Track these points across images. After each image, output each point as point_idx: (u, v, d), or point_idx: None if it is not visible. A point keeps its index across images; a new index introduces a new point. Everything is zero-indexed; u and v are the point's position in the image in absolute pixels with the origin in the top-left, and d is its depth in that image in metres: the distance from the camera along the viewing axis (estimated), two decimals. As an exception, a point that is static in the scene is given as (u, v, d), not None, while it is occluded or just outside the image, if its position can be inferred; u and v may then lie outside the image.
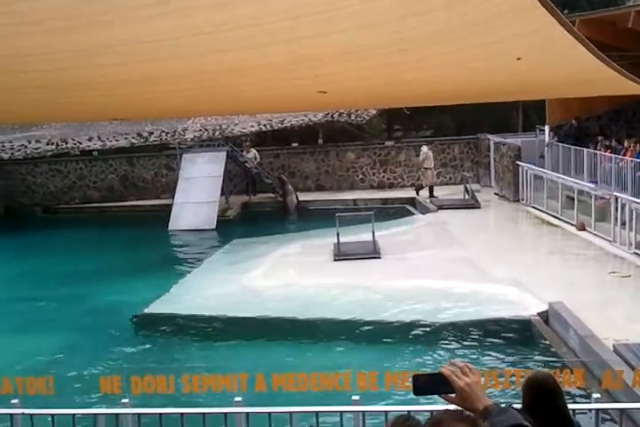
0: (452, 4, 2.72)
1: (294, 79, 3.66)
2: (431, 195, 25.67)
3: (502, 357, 11.88)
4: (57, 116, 7.43)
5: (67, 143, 20.21)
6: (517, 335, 12.73)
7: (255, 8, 2.57)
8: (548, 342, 12.18)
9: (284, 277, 17.12)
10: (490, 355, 12.01)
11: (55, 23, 2.64)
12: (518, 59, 3.56)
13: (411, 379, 2.61)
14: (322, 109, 18.95)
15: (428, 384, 2.57)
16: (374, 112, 24.84)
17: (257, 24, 2.71)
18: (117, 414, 6.40)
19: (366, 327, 13.45)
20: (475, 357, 11.96)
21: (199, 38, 2.88)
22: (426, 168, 26.10)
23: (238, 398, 6.51)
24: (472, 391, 2.51)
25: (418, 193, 26.21)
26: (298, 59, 3.23)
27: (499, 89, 4.79)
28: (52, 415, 6.30)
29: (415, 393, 2.60)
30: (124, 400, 6.68)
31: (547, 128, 24.41)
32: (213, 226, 24.50)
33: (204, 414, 6.22)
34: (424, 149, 26.34)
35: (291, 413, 6.11)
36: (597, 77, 4.20)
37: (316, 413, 6.14)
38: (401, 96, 4.96)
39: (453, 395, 2.53)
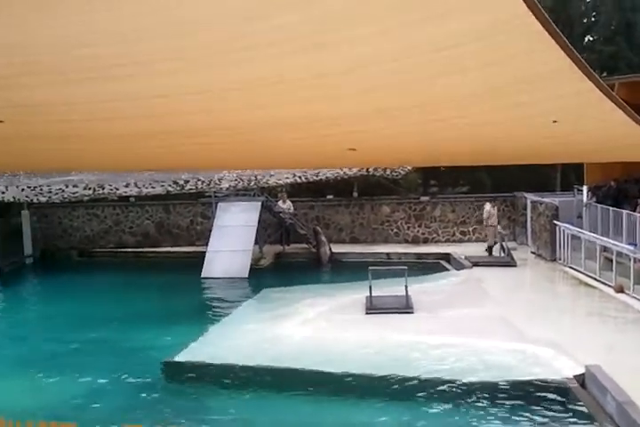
0: (486, 65, 2.66)
1: (323, 136, 3.61)
2: (490, 253, 25.07)
3: (536, 420, 11.52)
4: (84, 166, 7.46)
5: (104, 189, 20.41)
6: (552, 398, 12.33)
7: (281, 66, 2.53)
8: (584, 407, 11.80)
9: (314, 328, 16.91)
10: (523, 418, 11.65)
11: (77, 74, 2.62)
12: (554, 121, 3.48)
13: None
14: (353, 166, 18.98)
15: None
16: (410, 167, 24.81)
17: (282, 81, 2.66)
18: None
19: (395, 384, 13.15)
20: (507, 419, 11.62)
21: (225, 95, 2.84)
22: (489, 226, 25.50)
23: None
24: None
25: (491, 252, 25.40)
26: (325, 117, 3.17)
27: (534, 152, 4.69)
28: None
29: None
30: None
31: (585, 188, 24.16)
32: (246, 275, 24.43)
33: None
34: (487, 206, 25.73)
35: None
36: (636, 143, 4.09)
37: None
38: (433, 156, 4.89)
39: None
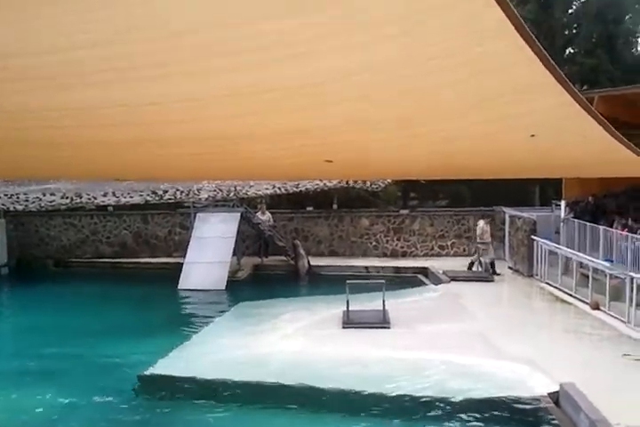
0: (463, 80, 2.63)
1: (300, 147, 3.57)
2: (494, 271, 24.55)
3: (509, 437, 11.51)
4: (60, 173, 7.38)
5: (81, 198, 20.24)
6: (526, 416, 12.34)
7: (259, 76, 2.49)
8: (557, 425, 11.80)
9: (290, 343, 16.85)
10: (497, 435, 11.64)
11: (53, 81, 2.56)
12: (532, 135, 3.45)
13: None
14: (332, 178, 18.95)
15: None
16: (389, 180, 24.86)
17: (260, 91, 2.62)
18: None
19: (369, 401, 13.11)
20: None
21: (197, 104, 2.79)
22: (484, 242, 25.06)
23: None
24: None
25: (470, 268, 25.16)
26: (301, 128, 3.14)
27: (512, 166, 4.68)
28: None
29: None
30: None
31: (563, 203, 24.28)
32: (223, 287, 24.33)
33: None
34: (480, 223, 25.47)
35: None
36: (615, 158, 4.08)
37: None
38: (410, 169, 4.86)
39: None
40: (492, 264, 24.65)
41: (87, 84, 2.73)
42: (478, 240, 25.29)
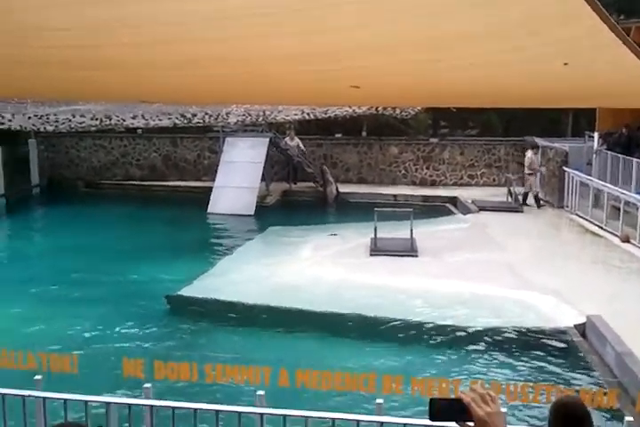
0: (493, 2, 2.53)
1: (324, 72, 3.49)
2: (524, 201, 24.44)
3: (534, 368, 11.62)
4: (81, 95, 7.34)
5: (110, 119, 20.25)
6: (552, 347, 12.43)
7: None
8: (583, 357, 11.88)
9: (317, 269, 17.02)
10: (521, 366, 11.75)
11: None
12: (565, 64, 3.34)
13: (428, 401, 2.43)
14: (359, 104, 18.70)
15: (446, 410, 2.39)
16: (420, 107, 24.55)
17: (286, 12, 2.54)
18: (130, 405, 6.30)
19: (396, 327, 13.26)
20: (507, 365, 11.72)
21: (230, 23, 2.72)
22: (531, 173, 24.75)
23: (261, 392, 6.38)
24: (492, 422, 2.32)
25: (525, 200, 24.56)
26: (325, 51, 3.06)
27: (543, 95, 4.56)
28: (65, 400, 6.21)
29: (431, 419, 2.42)
30: (147, 385, 6.56)
31: (596, 135, 23.89)
32: (252, 212, 24.48)
33: (217, 411, 6.09)
34: (529, 153, 24.97)
35: (306, 417, 5.95)
36: (649, 88, 3.96)
37: (333, 420, 6.00)
38: (439, 95, 4.75)
39: (472, 424, 2.34)
40: (536, 197, 24.33)
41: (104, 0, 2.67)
42: (526, 171, 24.80)
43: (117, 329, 13.49)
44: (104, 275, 16.74)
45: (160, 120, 20.84)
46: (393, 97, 5.11)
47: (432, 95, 4.69)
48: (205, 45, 3.11)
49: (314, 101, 8.82)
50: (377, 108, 23.14)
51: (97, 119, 19.91)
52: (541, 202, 24.09)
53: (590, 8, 2.50)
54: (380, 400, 6.24)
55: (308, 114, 23.52)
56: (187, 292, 15.32)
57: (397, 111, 24.20)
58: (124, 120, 20.42)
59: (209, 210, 24.73)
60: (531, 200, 24.37)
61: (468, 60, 3.25)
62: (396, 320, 13.47)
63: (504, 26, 2.74)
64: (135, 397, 7.46)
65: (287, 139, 27.97)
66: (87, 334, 13.21)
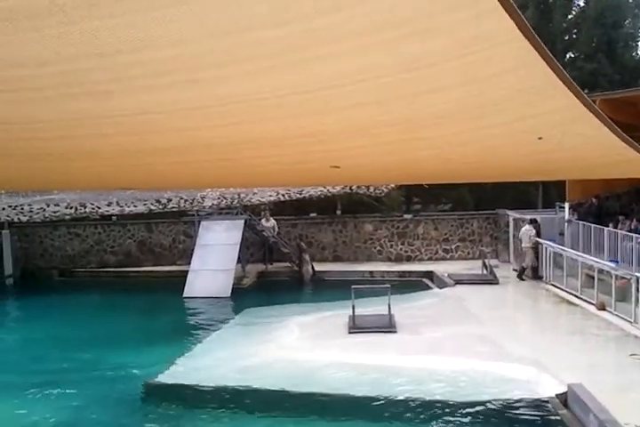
0: (469, 82, 2.61)
1: (305, 153, 3.56)
2: (521, 275, 24.12)
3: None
4: (62, 185, 7.37)
5: (85, 207, 20.28)
6: (535, 418, 12.31)
7: (261, 82, 2.48)
8: (566, 426, 11.76)
9: (296, 349, 16.82)
10: (506, 438, 11.60)
11: (55, 91, 2.55)
12: (539, 138, 3.44)
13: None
14: (337, 184, 18.92)
15: None
16: (393, 185, 24.85)
17: (263, 98, 2.61)
18: None
19: (378, 406, 13.07)
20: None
21: (205, 111, 2.78)
22: (528, 247, 24.13)
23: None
24: None
25: (521, 275, 24.22)
26: (306, 133, 3.12)
27: (518, 169, 4.66)
28: None
29: None
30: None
31: (566, 205, 24.24)
32: (228, 294, 24.32)
33: None
34: (526, 226, 24.41)
35: None
36: (621, 160, 4.06)
37: None
38: (417, 174, 4.85)
39: None
40: (535, 268, 24.01)
41: (89, 94, 2.72)
42: (525, 245, 24.51)
43: (93, 417, 13.16)
44: (78, 363, 16.43)
45: (135, 206, 20.91)
46: (372, 176, 5.19)
47: (410, 173, 4.77)
48: (187, 133, 3.17)
49: (294, 183, 8.91)
50: (351, 187, 23.42)
51: (71, 208, 19.93)
52: (491, 268, 24.14)
53: (562, 83, 2.60)
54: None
55: (282, 195, 23.74)
56: (163, 378, 15.03)
57: (371, 189, 24.49)
58: (99, 208, 20.46)
59: (185, 294, 24.53)
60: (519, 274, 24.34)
61: (445, 139, 3.33)
62: (377, 399, 13.28)
63: (480, 104, 2.83)
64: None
65: (263, 220, 28.09)
66: (65, 424, 12.89)
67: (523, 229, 24.43)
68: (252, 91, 2.57)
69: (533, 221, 24.67)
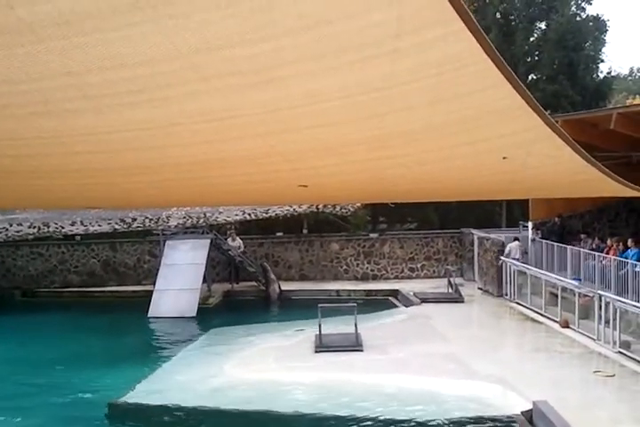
0: (437, 102, 2.65)
1: (273, 172, 3.57)
2: None
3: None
4: (26, 203, 7.30)
5: (49, 227, 20.08)
6: (501, 436, 12.35)
7: (229, 100, 2.49)
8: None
9: (263, 369, 16.71)
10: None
11: (23, 109, 2.54)
12: (504, 158, 3.49)
13: None
14: (305, 203, 18.95)
15: None
16: (359, 204, 24.95)
17: (230, 116, 2.62)
18: None
19: (344, 425, 13.03)
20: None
21: (173, 129, 2.79)
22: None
23: None
24: None
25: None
26: (275, 152, 3.14)
27: (484, 188, 4.72)
28: None
29: None
30: None
31: (530, 224, 24.49)
32: (194, 314, 24.11)
33: None
34: (514, 244, 23.88)
35: None
36: (584, 178, 4.13)
37: None
38: (384, 192, 4.88)
39: None
40: None
41: (58, 112, 2.71)
42: (513, 256, 24.15)
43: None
44: (43, 384, 16.18)
45: (99, 226, 20.74)
46: (340, 195, 5.22)
47: (378, 192, 4.81)
48: (156, 152, 3.17)
49: (262, 201, 8.91)
50: (317, 206, 23.47)
51: (34, 227, 19.72)
52: (456, 286, 24.17)
53: (527, 104, 2.65)
54: None
55: (249, 214, 23.71)
56: (127, 398, 14.86)
57: (337, 208, 24.56)
58: (63, 227, 20.26)
59: (150, 314, 24.28)
60: None
61: (413, 158, 3.37)
62: (343, 418, 13.24)
63: (446, 123, 2.87)
64: None
65: (229, 239, 27.98)
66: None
67: (513, 244, 24.35)
68: (222, 108, 2.58)
69: (517, 239, 24.58)
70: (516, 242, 24.21)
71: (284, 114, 2.66)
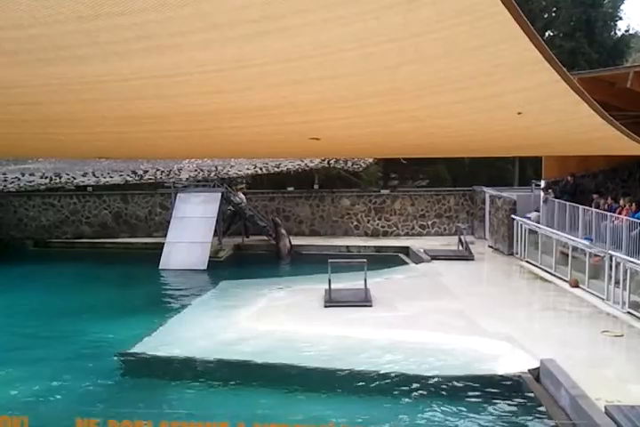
0: (451, 54, 2.60)
1: (285, 124, 3.53)
2: None
3: (491, 414, 11.60)
4: (39, 152, 7.30)
5: (60, 178, 20.09)
6: (507, 392, 12.43)
7: (241, 49, 2.44)
8: (538, 401, 11.90)
9: (272, 322, 16.85)
10: (479, 412, 11.71)
11: (32, 55, 2.51)
12: (519, 113, 3.44)
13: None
14: (316, 156, 18.87)
15: None
16: (371, 160, 24.84)
17: (242, 66, 2.58)
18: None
19: (353, 379, 13.15)
20: (463, 413, 11.68)
21: (182, 78, 2.75)
22: None
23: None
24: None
25: None
26: (287, 104, 3.10)
27: (496, 144, 4.67)
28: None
29: None
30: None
31: (543, 183, 24.35)
32: (204, 267, 24.26)
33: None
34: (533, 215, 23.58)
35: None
36: (599, 136, 4.07)
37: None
38: (395, 146, 4.84)
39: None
40: None
41: (66, 58, 2.68)
42: None
43: (69, 388, 13.11)
44: (54, 334, 16.36)
45: (111, 177, 20.74)
46: (352, 149, 5.18)
47: (390, 146, 4.76)
48: (166, 100, 3.13)
49: (273, 154, 8.87)
50: (329, 162, 23.37)
51: (46, 177, 19.73)
52: (466, 244, 24.15)
53: (544, 58, 2.59)
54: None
55: (260, 168, 23.63)
56: (139, 349, 15.02)
57: (349, 164, 24.45)
58: (75, 178, 20.26)
59: (161, 266, 24.44)
60: None
61: (426, 112, 3.32)
62: (352, 371, 13.37)
63: (461, 77, 2.82)
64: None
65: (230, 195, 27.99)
66: (38, 395, 12.83)
67: (533, 215, 23.92)
68: (233, 58, 2.54)
69: (538, 210, 24.08)
70: (536, 213, 24.08)
71: (295, 64, 2.62)
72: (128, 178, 21.32)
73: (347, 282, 19.22)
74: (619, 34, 35.42)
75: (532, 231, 22.48)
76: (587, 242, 19.08)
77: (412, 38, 2.56)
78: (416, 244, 26.40)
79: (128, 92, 3.08)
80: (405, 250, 26.04)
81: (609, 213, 19.12)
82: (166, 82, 2.84)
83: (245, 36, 2.34)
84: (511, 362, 13.28)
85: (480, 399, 12.17)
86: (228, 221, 28.69)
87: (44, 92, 3.02)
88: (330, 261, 18.60)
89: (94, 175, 20.77)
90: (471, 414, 11.61)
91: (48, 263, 25.70)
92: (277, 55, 2.51)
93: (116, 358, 14.63)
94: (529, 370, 12.73)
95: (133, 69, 2.73)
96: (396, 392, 12.61)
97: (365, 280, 18.26)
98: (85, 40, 2.41)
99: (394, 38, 2.54)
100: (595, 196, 21.58)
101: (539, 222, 23.29)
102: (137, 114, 3.51)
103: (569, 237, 20.00)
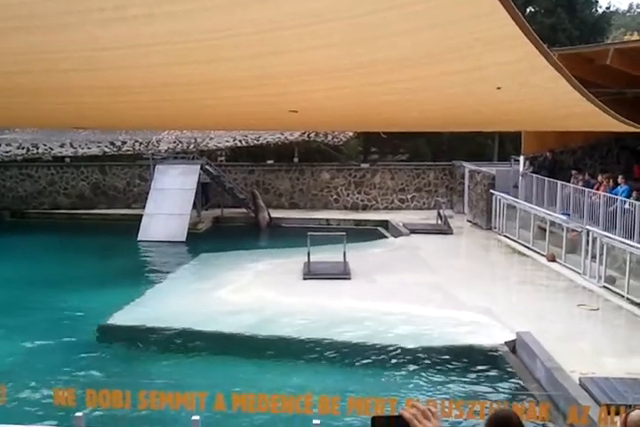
0: (430, 28, 2.58)
1: (263, 96, 3.51)
2: None
3: (468, 385, 11.76)
4: (12, 121, 7.21)
5: (38, 148, 19.91)
6: (484, 364, 12.61)
7: (218, 20, 2.41)
8: (514, 373, 12.08)
9: (251, 293, 16.93)
10: (455, 383, 11.87)
11: (5, 22, 2.46)
12: (498, 88, 3.43)
13: (370, 420, 2.43)
14: (295, 129, 18.79)
15: None
16: (351, 134, 24.82)
17: (219, 37, 2.55)
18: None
19: (331, 349, 13.27)
20: (440, 384, 11.82)
21: (159, 48, 2.71)
22: None
23: (196, 417, 6.31)
24: (432, 436, 2.34)
25: None
26: (265, 75, 3.07)
27: (476, 118, 4.66)
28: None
29: None
30: (78, 414, 6.41)
31: (522, 158, 24.46)
32: (183, 238, 24.25)
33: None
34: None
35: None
36: (578, 112, 4.08)
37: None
38: (375, 120, 4.82)
39: (412, 439, 2.35)
40: None
41: (42, 27, 2.63)
42: None
43: (46, 358, 13.15)
44: (31, 305, 16.35)
45: (89, 148, 20.59)
46: (331, 121, 5.16)
47: (369, 120, 4.75)
48: (142, 70, 3.10)
49: (251, 126, 8.82)
50: (308, 135, 23.30)
51: (23, 148, 19.55)
52: (445, 218, 24.23)
53: (523, 33, 2.58)
54: (316, 421, 6.22)
55: (239, 141, 23.54)
56: (117, 320, 15.07)
57: (329, 137, 24.41)
58: (52, 149, 20.09)
59: (139, 237, 24.41)
60: None
61: (404, 85, 3.31)
62: (330, 341, 13.48)
63: (440, 50, 2.81)
64: (67, 427, 7.30)
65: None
66: (15, 364, 12.86)
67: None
68: (209, 29, 2.51)
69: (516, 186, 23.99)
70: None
71: (273, 35, 2.59)
72: (106, 149, 21.18)
73: (326, 255, 19.31)
74: (600, 11, 35.48)
75: (510, 206, 22.62)
76: (564, 217, 19.24)
77: (391, 10, 2.53)
78: (395, 217, 26.52)
79: (104, 62, 3.05)
80: (385, 224, 26.16)
81: (586, 189, 19.26)
82: (142, 52, 2.80)
83: (220, 5, 2.31)
84: (488, 334, 13.46)
85: (457, 371, 12.34)
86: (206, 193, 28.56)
87: (19, 61, 2.97)
88: (309, 233, 18.66)
89: (72, 146, 20.61)
90: (448, 384, 11.77)
91: (25, 234, 25.56)
92: (254, 26, 2.49)
93: (93, 328, 14.66)
94: (505, 342, 12.92)
95: (109, 39, 2.69)
96: (374, 363, 12.75)
97: (344, 253, 18.37)
98: (61, 8, 2.37)
99: (372, 10, 2.52)
100: (573, 172, 21.72)
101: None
102: (113, 84, 3.47)
103: (547, 212, 20.15)
